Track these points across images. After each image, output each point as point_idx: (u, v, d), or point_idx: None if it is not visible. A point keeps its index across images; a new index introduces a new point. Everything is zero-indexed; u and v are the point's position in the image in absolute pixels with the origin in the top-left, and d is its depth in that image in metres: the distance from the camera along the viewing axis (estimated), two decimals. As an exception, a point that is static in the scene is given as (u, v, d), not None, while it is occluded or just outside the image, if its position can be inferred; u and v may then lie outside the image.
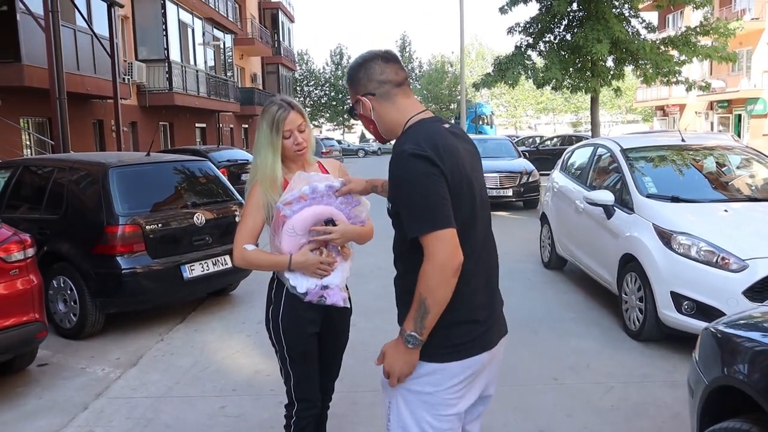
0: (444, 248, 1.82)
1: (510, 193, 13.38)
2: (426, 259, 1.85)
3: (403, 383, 1.98)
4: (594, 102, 13.28)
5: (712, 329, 2.70)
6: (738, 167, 6.32)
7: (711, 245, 4.68)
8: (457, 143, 1.99)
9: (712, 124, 35.19)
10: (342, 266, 2.62)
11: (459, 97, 51.41)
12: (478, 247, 2.01)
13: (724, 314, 4.54)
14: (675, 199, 5.41)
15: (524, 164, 14.04)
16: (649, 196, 5.53)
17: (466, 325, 1.96)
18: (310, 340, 2.66)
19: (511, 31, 15.87)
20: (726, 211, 5.21)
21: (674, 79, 11.82)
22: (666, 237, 4.94)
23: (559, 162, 8.21)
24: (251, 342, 5.46)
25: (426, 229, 1.83)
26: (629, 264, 5.34)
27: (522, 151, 15.95)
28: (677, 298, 4.73)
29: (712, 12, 12.82)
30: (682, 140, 6.43)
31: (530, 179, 13.55)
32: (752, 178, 6.13)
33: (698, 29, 12.01)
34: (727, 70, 31.97)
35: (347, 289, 2.73)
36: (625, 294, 5.40)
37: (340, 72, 62.77)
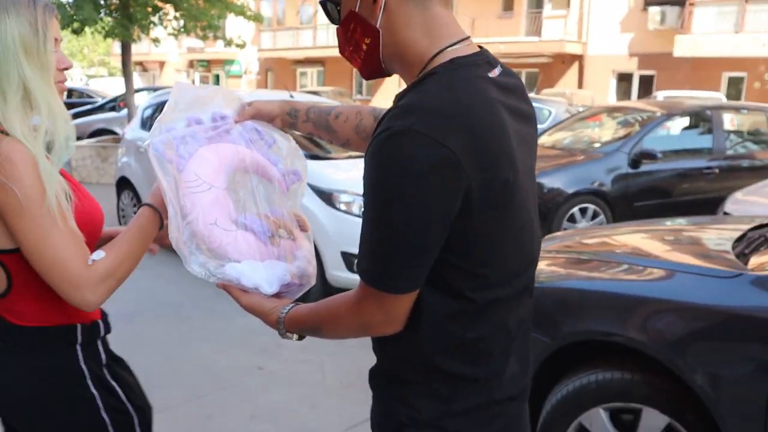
0: (378, 314, 1.13)
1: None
2: (353, 302, 1.15)
3: None
4: (127, 49, 11.71)
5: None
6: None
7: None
8: (505, 117, 1.08)
9: (193, 81, 36.78)
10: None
11: None
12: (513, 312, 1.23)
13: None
14: (314, 157, 5.28)
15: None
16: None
17: (484, 412, 1.19)
18: None
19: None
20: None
21: (212, 35, 11.66)
22: (326, 196, 4.79)
23: (139, 117, 7.14)
24: None
25: (369, 280, 1.10)
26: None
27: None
28: (348, 257, 4.68)
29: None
30: (290, 95, 6.33)
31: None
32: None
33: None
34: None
35: None
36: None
37: None
